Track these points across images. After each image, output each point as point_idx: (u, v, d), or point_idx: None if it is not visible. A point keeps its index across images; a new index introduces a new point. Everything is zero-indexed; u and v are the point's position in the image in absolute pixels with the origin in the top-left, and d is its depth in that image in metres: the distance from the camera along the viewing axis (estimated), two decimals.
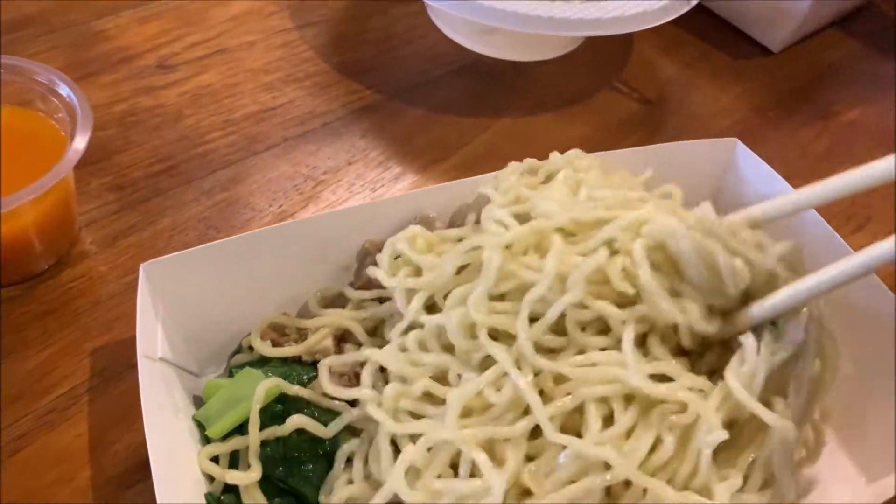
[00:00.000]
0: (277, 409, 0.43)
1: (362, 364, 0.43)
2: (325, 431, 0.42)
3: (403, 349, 0.42)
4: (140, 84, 0.66)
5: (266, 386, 0.42)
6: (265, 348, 0.46)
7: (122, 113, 0.63)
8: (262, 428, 0.42)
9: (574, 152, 0.50)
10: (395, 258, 0.45)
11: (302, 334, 0.47)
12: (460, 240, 0.43)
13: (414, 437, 0.38)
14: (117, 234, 0.56)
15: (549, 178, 0.48)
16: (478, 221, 0.46)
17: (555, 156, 0.50)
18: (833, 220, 0.51)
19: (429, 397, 0.40)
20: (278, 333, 0.47)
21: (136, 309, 0.51)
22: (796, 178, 0.51)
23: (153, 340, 0.43)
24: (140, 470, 0.45)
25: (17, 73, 0.52)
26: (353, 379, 0.44)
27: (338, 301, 0.50)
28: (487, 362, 0.39)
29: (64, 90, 0.51)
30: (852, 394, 0.46)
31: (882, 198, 0.64)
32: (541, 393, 0.38)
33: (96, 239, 0.55)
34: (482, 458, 0.37)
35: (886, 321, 0.48)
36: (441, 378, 0.41)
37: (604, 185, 0.46)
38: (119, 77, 0.66)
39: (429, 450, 0.38)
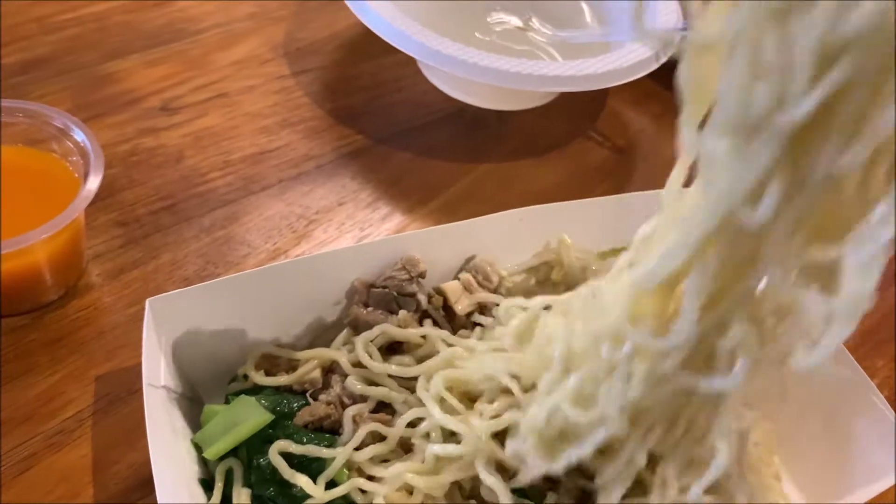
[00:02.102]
0: (268, 433, 0.47)
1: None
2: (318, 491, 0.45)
3: None
4: (144, 125, 0.70)
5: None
6: (258, 377, 0.50)
7: (126, 153, 0.68)
8: (253, 450, 0.46)
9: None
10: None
11: (292, 365, 0.51)
12: None
13: None
14: (122, 267, 0.60)
15: None
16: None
17: None
18: None
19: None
20: (270, 364, 0.52)
21: (138, 338, 0.55)
22: None
23: (157, 369, 0.47)
24: (141, 488, 0.49)
25: (35, 117, 0.56)
26: (338, 407, 0.48)
27: (326, 335, 0.54)
28: None
29: (79, 135, 0.55)
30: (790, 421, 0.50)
31: None
32: None
33: (102, 272, 0.59)
34: None
35: None
36: None
37: None
38: (124, 118, 0.70)
39: None
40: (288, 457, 0.46)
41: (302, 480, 0.45)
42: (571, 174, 0.74)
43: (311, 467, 0.46)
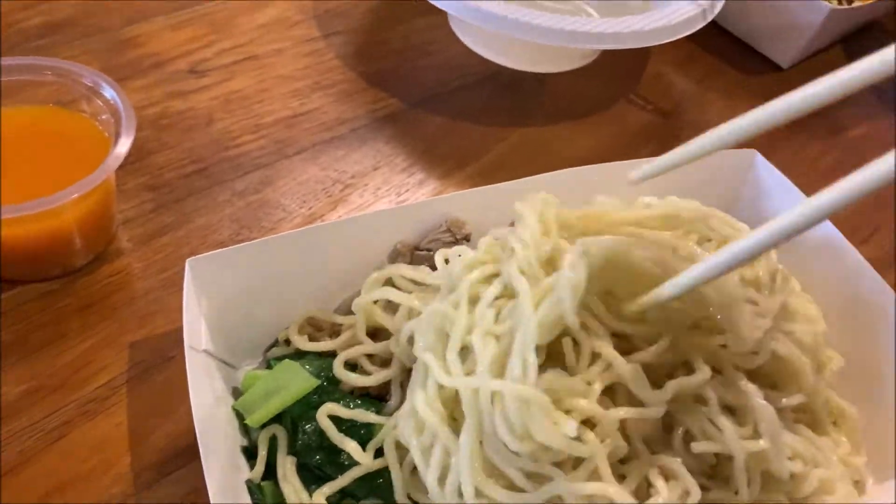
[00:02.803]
0: (314, 399, 0.45)
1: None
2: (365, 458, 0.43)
3: None
4: (172, 88, 0.68)
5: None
6: (302, 342, 0.48)
7: (155, 115, 0.65)
8: (298, 417, 0.44)
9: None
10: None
11: (335, 330, 0.49)
12: None
13: None
14: (153, 232, 0.58)
15: None
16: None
17: None
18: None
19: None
20: (314, 328, 0.49)
21: (171, 305, 0.53)
22: (805, 192, 0.54)
23: (198, 332, 0.45)
24: (178, 458, 0.47)
25: (63, 75, 0.54)
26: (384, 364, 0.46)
27: None
28: None
29: (108, 92, 0.53)
30: (852, 392, 0.48)
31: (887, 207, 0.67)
32: None
33: (133, 237, 0.57)
34: None
35: (885, 317, 0.50)
36: None
37: None
38: (151, 81, 0.68)
39: None
40: (336, 422, 0.43)
41: (350, 446, 0.43)
42: (613, 138, 0.72)
43: (360, 434, 0.44)
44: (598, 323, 0.40)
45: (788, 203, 0.57)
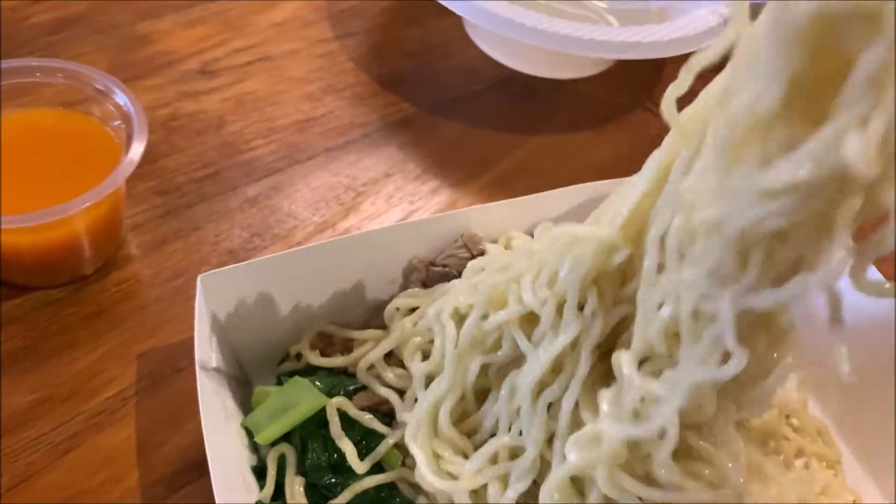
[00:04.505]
0: (321, 416, 0.44)
1: None
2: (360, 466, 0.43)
3: None
4: (183, 89, 0.67)
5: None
6: (313, 357, 0.47)
7: (165, 117, 0.64)
8: (308, 435, 0.44)
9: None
10: None
11: (347, 346, 0.48)
12: None
13: None
14: (163, 238, 0.57)
15: None
16: None
17: None
18: None
19: None
20: (325, 344, 0.49)
21: (181, 313, 0.53)
22: None
23: (208, 349, 0.44)
24: (188, 472, 0.47)
25: (74, 78, 0.53)
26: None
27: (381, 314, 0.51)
28: None
29: (121, 98, 0.52)
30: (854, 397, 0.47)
31: None
32: None
33: (142, 243, 0.57)
34: None
35: (886, 320, 0.49)
36: None
37: None
38: (162, 81, 0.67)
39: None
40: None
41: (348, 447, 0.43)
42: (630, 148, 0.71)
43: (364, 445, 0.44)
44: None
45: None
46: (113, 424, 0.48)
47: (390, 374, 0.46)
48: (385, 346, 0.46)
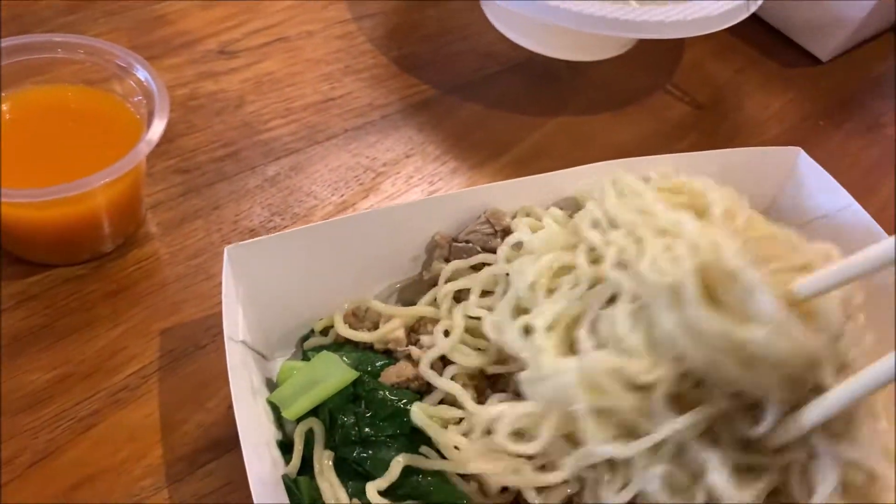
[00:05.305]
0: (349, 391, 0.44)
1: None
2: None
3: None
4: (202, 69, 0.66)
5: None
6: (345, 329, 0.47)
7: (184, 97, 0.64)
8: (336, 409, 0.43)
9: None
10: None
11: (375, 322, 0.48)
12: None
13: None
14: (183, 217, 0.56)
15: None
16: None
17: None
18: None
19: None
20: (356, 318, 0.48)
21: (201, 292, 0.52)
22: (847, 189, 0.54)
23: (235, 322, 0.43)
24: (210, 450, 0.46)
25: (96, 54, 0.52)
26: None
27: (405, 290, 0.50)
28: None
29: (142, 74, 0.52)
30: None
31: None
32: None
33: (162, 221, 0.56)
34: None
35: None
36: None
37: None
38: (181, 61, 0.67)
39: None
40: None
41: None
42: (650, 130, 0.70)
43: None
44: None
45: (830, 202, 0.55)
46: (134, 401, 0.48)
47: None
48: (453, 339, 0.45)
